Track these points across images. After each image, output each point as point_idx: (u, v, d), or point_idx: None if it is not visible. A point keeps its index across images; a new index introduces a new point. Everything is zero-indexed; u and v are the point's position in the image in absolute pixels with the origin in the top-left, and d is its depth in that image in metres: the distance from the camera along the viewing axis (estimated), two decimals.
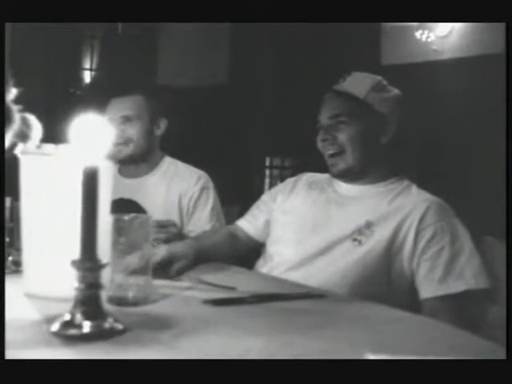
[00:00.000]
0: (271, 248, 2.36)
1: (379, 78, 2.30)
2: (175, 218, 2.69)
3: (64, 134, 1.27)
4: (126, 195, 2.67)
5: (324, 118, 2.29)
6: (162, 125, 2.83)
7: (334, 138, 2.25)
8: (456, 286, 1.99)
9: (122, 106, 2.77)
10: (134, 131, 2.75)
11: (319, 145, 2.30)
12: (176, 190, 2.77)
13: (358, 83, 2.27)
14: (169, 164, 2.87)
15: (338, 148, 2.24)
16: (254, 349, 1.21)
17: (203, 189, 2.78)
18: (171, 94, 3.42)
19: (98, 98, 2.78)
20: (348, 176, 2.28)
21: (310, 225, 2.27)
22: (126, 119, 2.74)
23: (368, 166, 2.27)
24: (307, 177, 2.48)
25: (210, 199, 2.78)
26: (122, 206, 2.59)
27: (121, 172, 2.85)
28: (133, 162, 2.81)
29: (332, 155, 2.26)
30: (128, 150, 2.76)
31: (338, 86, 2.29)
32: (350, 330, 1.40)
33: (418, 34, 4.97)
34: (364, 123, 2.24)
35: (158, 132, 2.83)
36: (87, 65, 5.71)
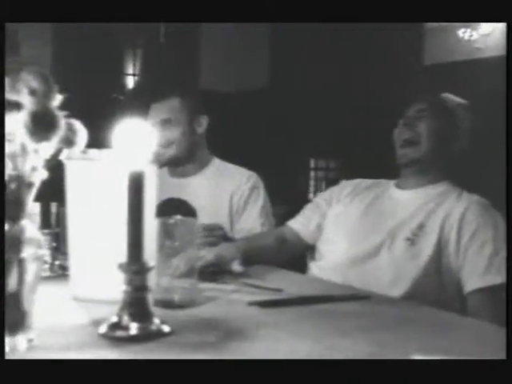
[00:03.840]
0: (323, 247, 2.36)
1: None
2: (224, 217, 2.69)
3: (108, 139, 1.29)
4: (175, 195, 2.69)
5: (411, 110, 2.34)
6: (203, 122, 2.83)
7: (413, 126, 2.29)
8: (498, 279, 1.99)
9: (161, 109, 2.79)
10: (174, 133, 2.77)
11: (396, 131, 2.34)
12: (226, 189, 2.76)
13: None
14: (217, 164, 2.88)
15: (414, 136, 2.28)
16: (299, 351, 1.21)
17: (253, 188, 2.78)
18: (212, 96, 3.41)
19: (140, 103, 2.79)
20: (412, 168, 2.30)
21: (363, 227, 2.27)
22: (166, 122, 2.76)
23: (433, 165, 2.29)
24: (361, 182, 2.49)
25: (261, 198, 2.77)
26: (171, 205, 2.60)
27: (169, 172, 2.86)
28: (178, 163, 2.82)
29: (406, 141, 2.29)
30: (171, 152, 2.77)
31: None
32: (396, 332, 1.39)
33: (460, 33, 4.92)
34: (443, 124, 2.28)
35: (200, 130, 2.83)
36: (130, 70, 5.75)
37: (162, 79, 5.28)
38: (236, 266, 1.96)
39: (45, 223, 1.78)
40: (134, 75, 5.76)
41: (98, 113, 3.42)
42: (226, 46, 5.85)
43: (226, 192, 2.76)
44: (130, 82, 5.76)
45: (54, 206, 1.85)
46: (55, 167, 1.21)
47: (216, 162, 2.89)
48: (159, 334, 1.25)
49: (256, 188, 2.79)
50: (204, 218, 2.49)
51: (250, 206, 2.75)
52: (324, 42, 5.55)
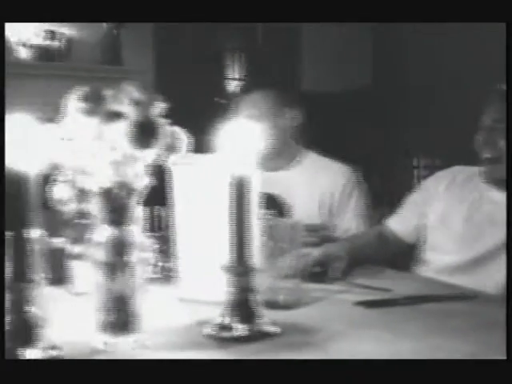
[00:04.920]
0: (428, 254, 2.32)
1: None
2: (316, 213, 2.65)
3: (211, 144, 1.31)
4: (266, 189, 2.66)
5: (487, 119, 2.19)
6: (294, 117, 2.80)
7: (494, 142, 2.14)
8: None
9: (251, 103, 2.77)
10: (265, 127, 2.73)
11: (477, 144, 2.22)
12: (320, 185, 2.72)
13: None
14: (313, 160, 2.83)
15: (496, 153, 2.14)
16: (404, 352, 1.20)
17: (350, 186, 2.72)
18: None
19: (241, 106, 2.79)
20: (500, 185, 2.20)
21: (468, 230, 2.21)
22: (255, 116, 2.72)
23: None
24: (455, 173, 2.40)
25: (358, 197, 2.72)
26: (263, 199, 2.59)
27: (261, 166, 2.83)
28: (270, 157, 2.78)
29: (489, 159, 2.19)
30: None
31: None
32: (504, 332, 1.36)
33: None
34: None
35: (294, 124, 2.79)
36: (231, 74, 5.81)
37: (264, 82, 5.32)
38: (336, 268, 1.95)
39: (150, 227, 1.82)
40: (234, 79, 5.81)
41: (200, 117, 3.47)
42: (327, 46, 5.84)
43: (319, 188, 2.70)
44: (231, 86, 5.82)
45: (158, 210, 1.89)
46: (159, 173, 1.25)
47: (312, 158, 2.83)
48: (265, 335, 1.27)
49: (352, 185, 2.73)
50: (295, 213, 2.47)
51: (346, 205, 2.69)
52: (425, 41, 5.47)
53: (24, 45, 4.88)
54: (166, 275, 1.81)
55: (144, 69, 4.84)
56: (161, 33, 5.21)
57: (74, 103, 1.17)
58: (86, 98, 1.16)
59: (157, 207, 1.86)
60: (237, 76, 5.81)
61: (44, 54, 4.92)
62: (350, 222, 2.67)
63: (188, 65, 5.32)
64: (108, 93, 1.17)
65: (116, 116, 1.15)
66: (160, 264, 1.86)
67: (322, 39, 5.78)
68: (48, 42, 4.91)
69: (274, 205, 2.43)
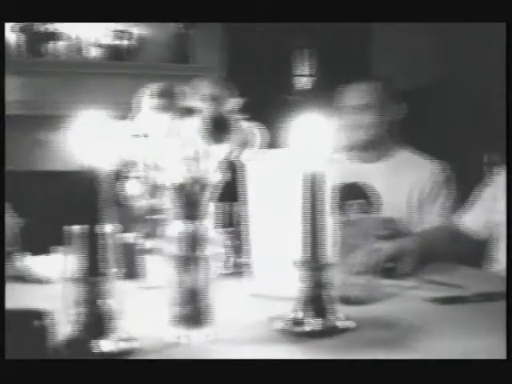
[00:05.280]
0: (500, 251, 2.28)
1: None
2: (402, 208, 2.62)
3: (283, 139, 1.31)
4: (355, 180, 2.64)
5: None
6: (398, 109, 2.77)
7: None
8: None
9: (354, 94, 2.75)
10: (366, 118, 2.71)
11: None
12: (408, 180, 2.67)
13: None
14: (404, 154, 2.80)
15: None
16: (476, 350, 1.18)
17: (439, 183, 2.68)
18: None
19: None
20: None
21: None
22: (358, 107, 2.70)
23: None
24: None
25: (444, 192, 2.68)
26: (351, 190, 2.57)
27: (353, 156, 2.82)
28: (364, 149, 2.76)
29: None
30: (360, 137, 2.72)
31: None
32: None
33: None
34: None
35: (393, 117, 2.77)
36: (299, 71, 5.80)
37: (334, 79, 5.29)
38: (407, 263, 1.92)
39: (222, 222, 1.83)
40: (304, 75, 5.80)
41: (271, 113, 3.47)
42: (398, 42, 5.78)
43: (407, 183, 2.66)
44: (300, 83, 5.81)
45: (231, 206, 1.90)
46: (232, 168, 1.25)
47: (403, 152, 2.80)
48: (338, 331, 1.27)
49: (441, 181, 2.69)
50: (381, 205, 2.45)
51: (433, 203, 2.66)
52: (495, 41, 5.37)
53: (94, 45, 4.96)
54: (238, 270, 1.82)
55: (214, 67, 4.87)
56: (230, 32, 5.23)
57: (147, 100, 1.19)
58: (159, 95, 1.17)
59: (229, 203, 1.86)
60: (307, 73, 5.79)
61: (114, 54, 4.99)
62: (432, 221, 2.62)
63: (257, 63, 5.33)
64: (181, 89, 1.18)
65: (189, 112, 1.15)
66: (232, 259, 1.87)
67: (391, 37, 5.72)
68: (118, 42, 4.99)
69: (360, 194, 2.40)
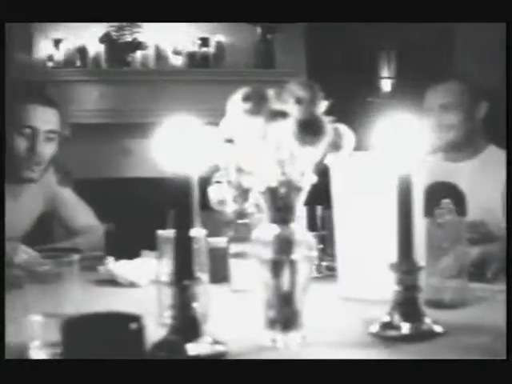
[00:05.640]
0: None
1: None
2: (493, 206, 2.57)
3: (370, 142, 1.30)
4: (446, 179, 2.60)
5: None
6: (482, 109, 2.73)
7: None
8: None
9: (440, 94, 2.73)
10: (453, 118, 2.68)
11: None
12: (499, 178, 2.63)
13: None
14: (494, 152, 2.75)
15: None
16: None
17: None
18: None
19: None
20: None
21: None
22: (445, 106, 2.69)
23: None
24: None
25: None
26: (441, 189, 2.52)
27: (443, 157, 2.79)
28: (454, 149, 2.73)
29: None
30: (449, 137, 2.70)
31: None
32: None
33: None
34: None
35: (479, 115, 2.73)
36: (384, 73, 5.75)
37: (416, 81, 5.25)
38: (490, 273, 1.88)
39: (311, 226, 1.83)
40: (388, 78, 5.75)
41: (357, 116, 3.45)
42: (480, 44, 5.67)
43: (498, 181, 2.62)
44: (385, 85, 5.77)
45: (319, 209, 1.90)
46: (323, 171, 1.25)
47: (492, 150, 2.76)
48: (431, 335, 1.25)
49: None
50: (471, 205, 2.41)
51: None
52: None
53: (177, 53, 5.03)
54: (328, 274, 1.82)
55: (298, 70, 4.88)
56: (313, 34, 5.23)
57: (237, 104, 1.19)
58: (249, 98, 1.18)
59: (318, 206, 1.86)
60: (390, 75, 5.74)
61: (198, 61, 5.05)
62: None
63: (340, 64, 5.31)
64: (271, 92, 1.18)
65: (280, 115, 1.16)
66: (322, 263, 1.87)
67: (475, 38, 5.63)
68: (202, 49, 5.04)
69: (450, 194, 2.36)
